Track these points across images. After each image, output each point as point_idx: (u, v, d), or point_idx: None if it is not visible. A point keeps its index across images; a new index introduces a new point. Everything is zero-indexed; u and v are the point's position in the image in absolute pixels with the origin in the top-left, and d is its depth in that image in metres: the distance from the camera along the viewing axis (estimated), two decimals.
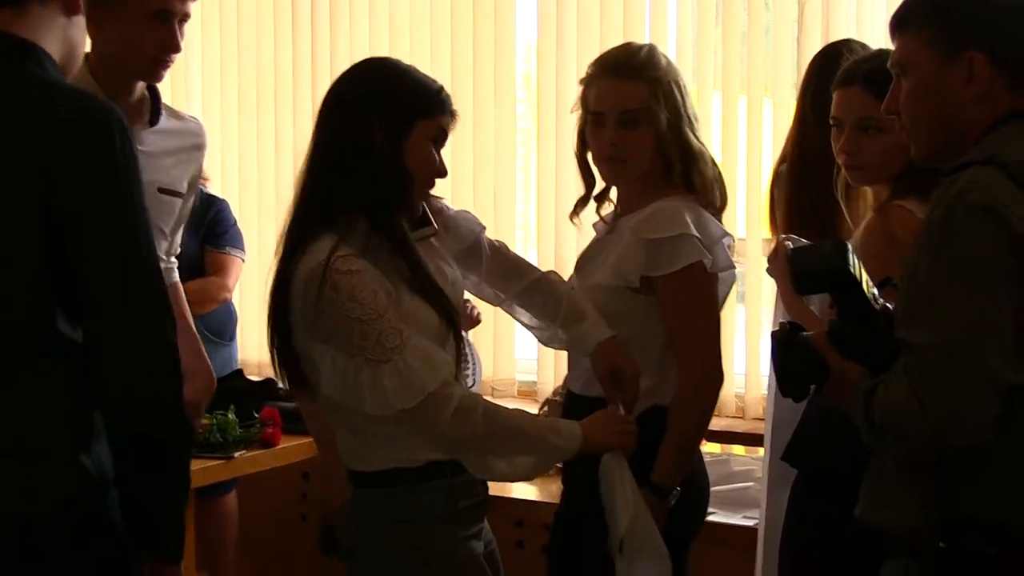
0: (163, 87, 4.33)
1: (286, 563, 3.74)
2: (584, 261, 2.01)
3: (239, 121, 4.14)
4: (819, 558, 1.91)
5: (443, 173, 1.72)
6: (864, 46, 2.36)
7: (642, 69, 1.83)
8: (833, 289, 1.46)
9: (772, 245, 2.07)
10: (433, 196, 1.82)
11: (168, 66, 2.16)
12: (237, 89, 4.15)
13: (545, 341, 2.03)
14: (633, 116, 1.82)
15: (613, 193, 2.01)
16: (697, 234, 1.82)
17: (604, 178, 1.95)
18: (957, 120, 1.41)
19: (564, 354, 3.56)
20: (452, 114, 1.71)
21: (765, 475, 2.17)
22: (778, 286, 2.03)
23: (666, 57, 1.90)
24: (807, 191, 2.17)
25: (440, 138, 1.70)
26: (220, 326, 3.39)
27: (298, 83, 4.04)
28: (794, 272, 1.49)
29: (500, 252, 1.96)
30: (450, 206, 1.93)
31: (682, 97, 1.86)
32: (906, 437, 1.32)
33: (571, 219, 2.08)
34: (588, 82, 1.90)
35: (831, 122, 1.92)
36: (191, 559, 2.94)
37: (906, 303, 1.35)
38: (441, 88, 1.71)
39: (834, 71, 2.27)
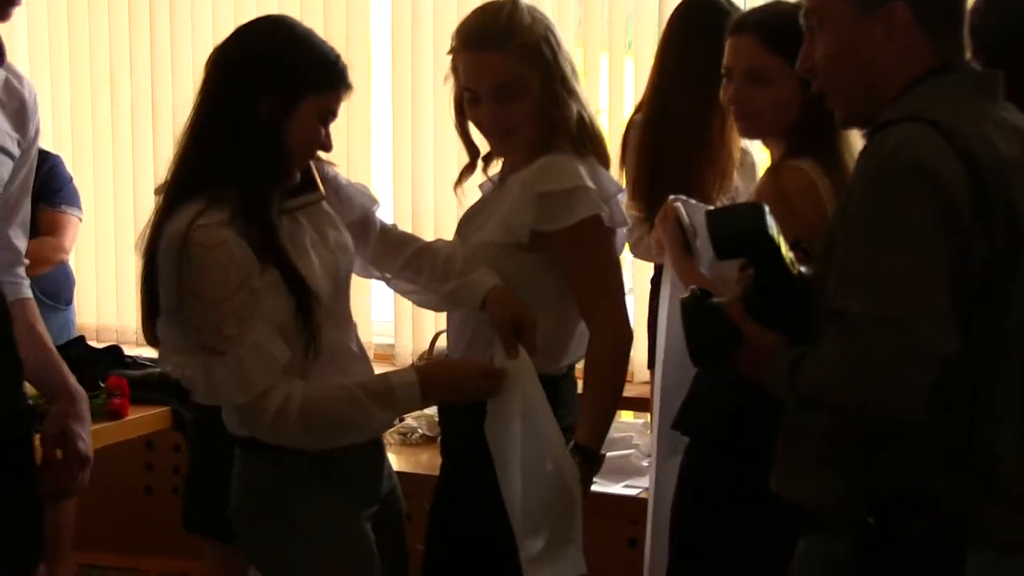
0: None
1: (132, 537, 3.73)
2: (466, 220, 1.95)
3: (71, 64, 3.98)
4: (715, 527, 1.91)
5: (327, 147, 1.69)
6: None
7: (506, 37, 1.76)
8: (753, 253, 1.41)
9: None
10: (325, 161, 1.78)
11: None
12: (67, 26, 3.97)
13: (430, 304, 2.00)
14: (507, 91, 1.77)
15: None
16: (593, 186, 1.78)
17: (493, 151, 1.91)
18: (878, 76, 1.36)
19: (423, 315, 3.60)
20: (347, 87, 1.67)
21: (653, 443, 2.15)
22: (668, 248, 1.99)
23: (529, 10, 1.81)
24: (668, 144, 2.19)
25: (329, 115, 1.66)
26: (56, 289, 3.30)
27: (135, 22, 3.90)
28: (713, 236, 1.42)
29: (389, 231, 1.93)
30: (343, 176, 1.88)
31: (554, 54, 1.79)
32: (838, 409, 1.29)
33: (455, 189, 2.02)
34: (454, 54, 1.84)
35: (722, 71, 1.91)
36: None
37: (838, 269, 1.30)
38: (338, 58, 1.66)
39: (700, 23, 2.41)
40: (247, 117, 1.61)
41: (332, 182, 1.81)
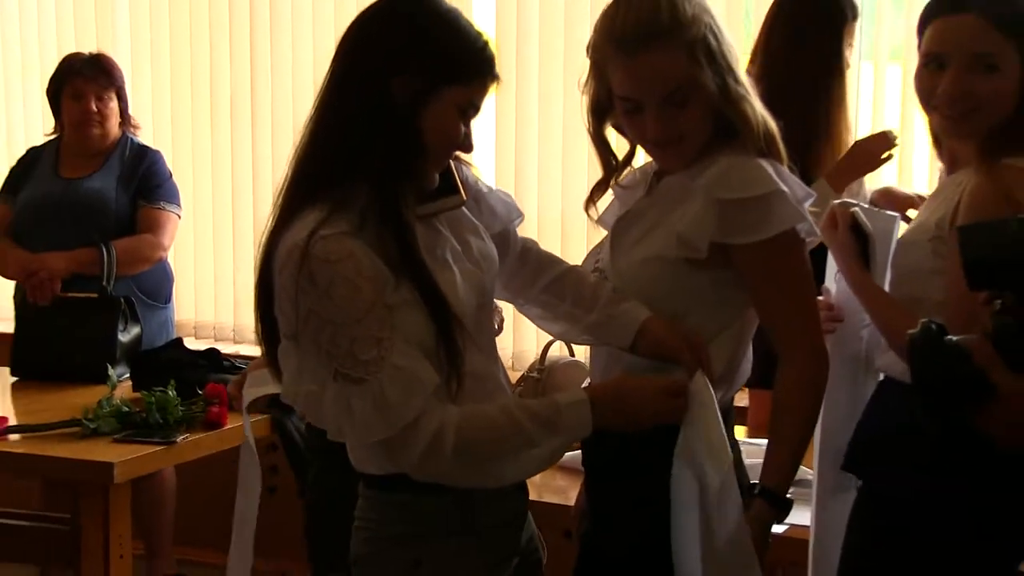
0: (89, 25, 4.29)
1: (227, 535, 3.77)
2: (620, 232, 1.76)
3: (171, 60, 4.08)
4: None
5: (467, 147, 1.55)
6: None
7: (672, 32, 1.58)
8: (1019, 283, 1.22)
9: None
10: (464, 163, 1.64)
11: None
12: (168, 23, 4.07)
13: (569, 335, 1.87)
14: (679, 95, 1.59)
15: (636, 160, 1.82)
16: (789, 191, 1.62)
17: (658, 162, 1.75)
18: None
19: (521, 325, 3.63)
20: (493, 78, 1.52)
21: (815, 479, 2.01)
22: (838, 261, 1.86)
23: None
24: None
25: (472, 109, 1.52)
26: (155, 288, 3.42)
27: (235, 17, 3.97)
28: (969, 259, 1.24)
29: (530, 248, 1.79)
30: (484, 182, 1.74)
31: (719, 42, 1.62)
32: None
33: (587, 209, 1.82)
34: (602, 59, 1.66)
35: (923, 59, 1.77)
36: (126, 527, 3.02)
37: None
38: (485, 45, 1.51)
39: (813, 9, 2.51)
40: (380, 99, 1.47)
41: (472, 187, 1.66)
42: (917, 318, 1.59)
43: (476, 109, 1.52)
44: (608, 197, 1.82)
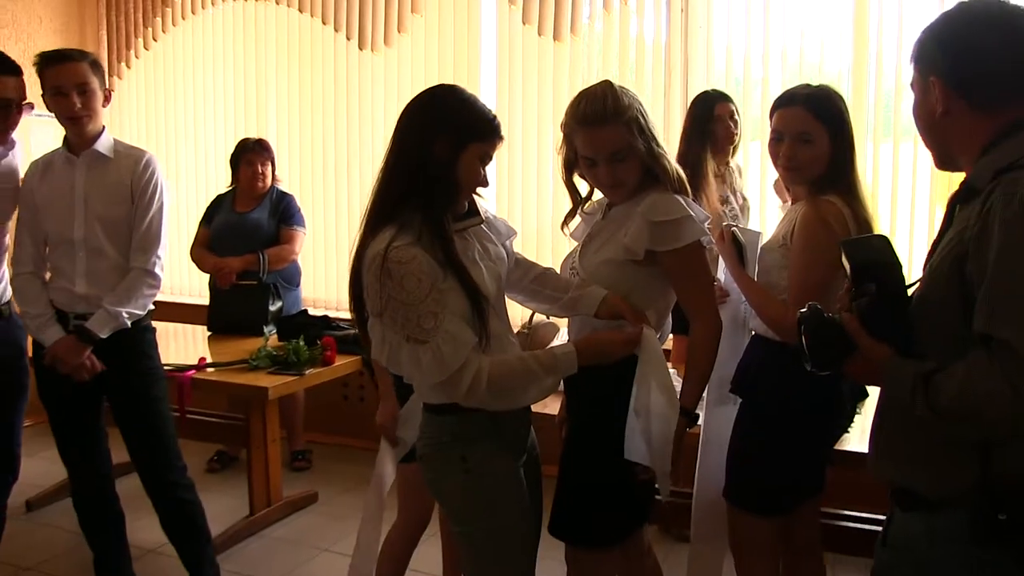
0: (252, 117, 5.01)
1: (335, 421, 4.77)
2: (586, 244, 2.02)
3: (300, 138, 4.89)
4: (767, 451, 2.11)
5: (486, 184, 1.80)
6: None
7: (615, 115, 1.86)
8: (886, 278, 1.38)
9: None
10: (478, 195, 1.89)
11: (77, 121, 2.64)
12: (299, 116, 4.93)
13: (552, 310, 2.07)
14: (620, 155, 1.88)
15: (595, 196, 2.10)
16: (695, 215, 1.88)
17: (609, 198, 2.02)
18: (941, 136, 1.41)
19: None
20: (501, 138, 1.79)
21: (705, 397, 2.24)
22: (726, 262, 2.21)
23: (623, 92, 1.90)
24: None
25: (487, 158, 1.78)
26: (291, 277, 4.12)
27: (338, 110, 4.81)
28: (855, 263, 1.39)
29: (520, 257, 2.07)
30: (492, 212, 2.00)
31: (645, 120, 1.90)
32: (995, 423, 1.23)
33: (562, 228, 2.14)
34: (569, 131, 1.93)
35: (772, 135, 2.11)
36: (275, 423, 3.79)
37: (990, 299, 1.24)
38: (494, 117, 1.79)
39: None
40: (427, 155, 1.70)
41: (484, 213, 1.92)
42: (775, 300, 2.08)
43: (489, 158, 1.79)
44: (576, 221, 2.13)
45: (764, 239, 2.28)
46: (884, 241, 1.43)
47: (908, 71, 1.47)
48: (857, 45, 3.79)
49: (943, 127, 1.39)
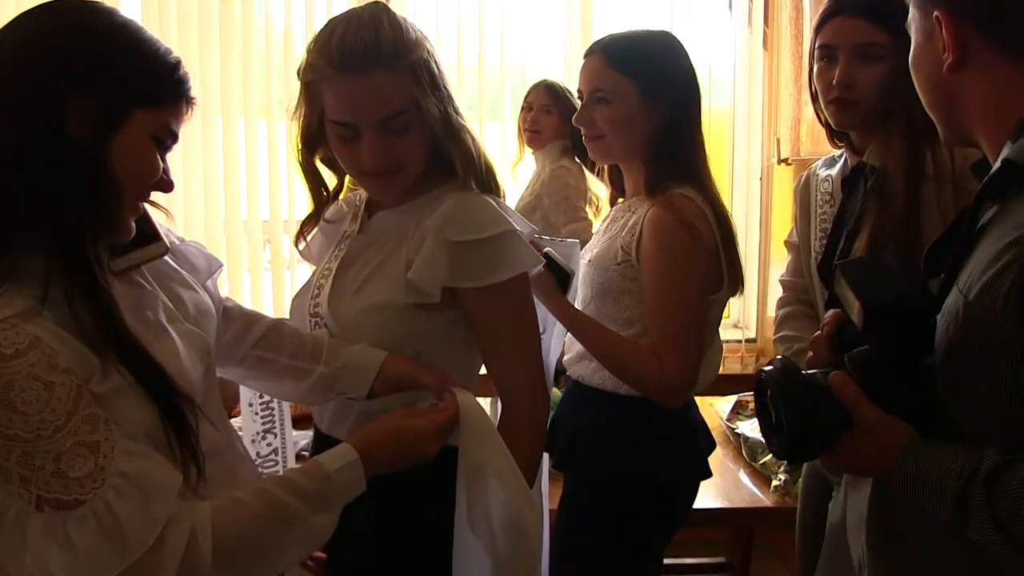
0: None
1: None
2: (340, 272, 1.47)
3: None
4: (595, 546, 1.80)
5: (166, 186, 1.14)
6: None
7: (394, 55, 1.31)
8: (910, 325, 1.06)
9: None
10: (158, 208, 1.27)
11: None
12: None
13: (295, 393, 1.47)
14: (397, 121, 1.34)
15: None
16: (522, 231, 1.41)
17: (371, 193, 1.49)
18: (949, 97, 1.10)
19: None
20: (189, 102, 1.15)
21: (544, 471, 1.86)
22: (540, 296, 1.71)
23: (405, 23, 1.36)
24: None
25: (167, 136, 1.13)
26: None
27: None
28: (869, 304, 1.07)
29: (231, 307, 1.46)
30: (179, 235, 1.37)
31: (439, 70, 1.38)
32: None
33: (296, 245, 1.59)
34: (314, 80, 1.35)
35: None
36: None
37: None
38: (178, 63, 1.14)
39: None
40: (49, 135, 1.02)
41: (166, 235, 1.28)
42: (632, 344, 1.69)
43: (174, 138, 1.14)
44: (315, 233, 1.59)
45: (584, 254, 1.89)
46: (904, 267, 1.10)
47: None
48: None
49: (952, 85, 1.07)
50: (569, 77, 3.57)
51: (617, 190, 1.92)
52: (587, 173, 3.02)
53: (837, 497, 1.48)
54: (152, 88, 1.08)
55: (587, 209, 3.10)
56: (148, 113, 1.08)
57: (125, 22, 1.09)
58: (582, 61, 1.79)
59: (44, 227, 1.01)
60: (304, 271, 3.28)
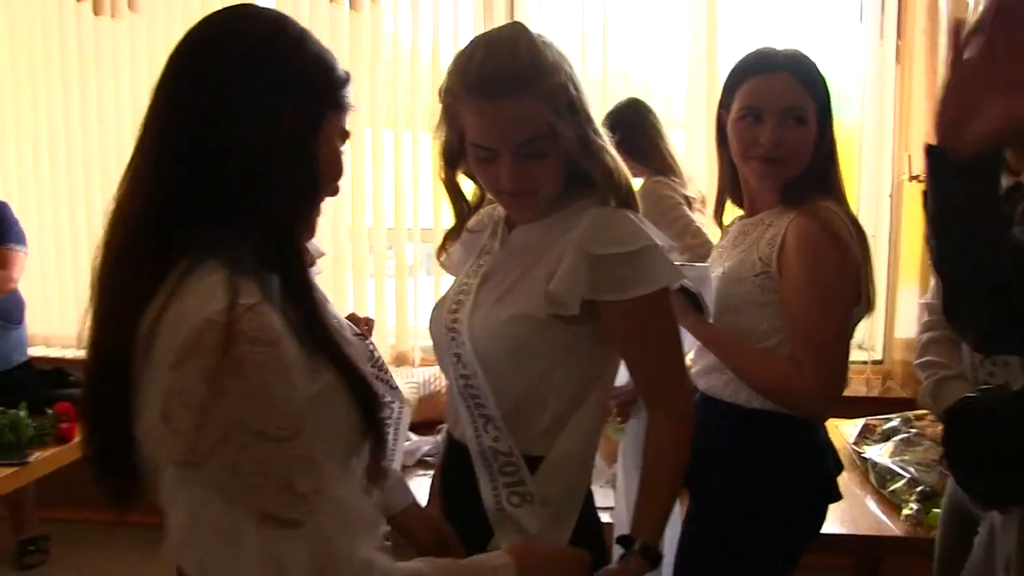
0: None
1: (82, 489, 3.74)
2: (481, 285, 1.47)
3: (16, 133, 4.16)
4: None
5: (337, 190, 1.13)
6: None
7: (531, 79, 1.29)
8: None
9: None
10: None
11: None
12: (13, 97, 4.12)
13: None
14: (535, 145, 1.33)
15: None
16: (663, 245, 1.38)
17: (509, 212, 1.50)
18: None
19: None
20: (350, 107, 1.14)
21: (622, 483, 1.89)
22: (680, 320, 1.63)
23: (544, 44, 1.33)
24: None
25: (344, 138, 1.13)
26: (8, 310, 3.53)
27: (67, 83, 4.02)
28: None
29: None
30: None
31: (578, 92, 1.35)
32: None
33: (438, 257, 1.62)
34: (453, 102, 1.36)
35: (743, 112, 1.72)
36: None
37: None
38: (347, 73, 1.14)
39: None
40: (266, 135, 0.99)
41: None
42: (772, 355, 1.67)
43: (348, 137, 1.14)
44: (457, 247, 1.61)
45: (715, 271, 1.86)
46: None
47: None
48: None
49: None
50: (691, 88, 3.55)
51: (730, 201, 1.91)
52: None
53: (982, 533, 1.43)
54: (336, 89, 1.09)
55: (690, 213, 2.97)
56: (335, 114, 1.09)
57: (300, 31, 1.08)
58: (722, 72, 1.78)
59: (254, 223, 0.97)
60: (425, 279, 3.44)
